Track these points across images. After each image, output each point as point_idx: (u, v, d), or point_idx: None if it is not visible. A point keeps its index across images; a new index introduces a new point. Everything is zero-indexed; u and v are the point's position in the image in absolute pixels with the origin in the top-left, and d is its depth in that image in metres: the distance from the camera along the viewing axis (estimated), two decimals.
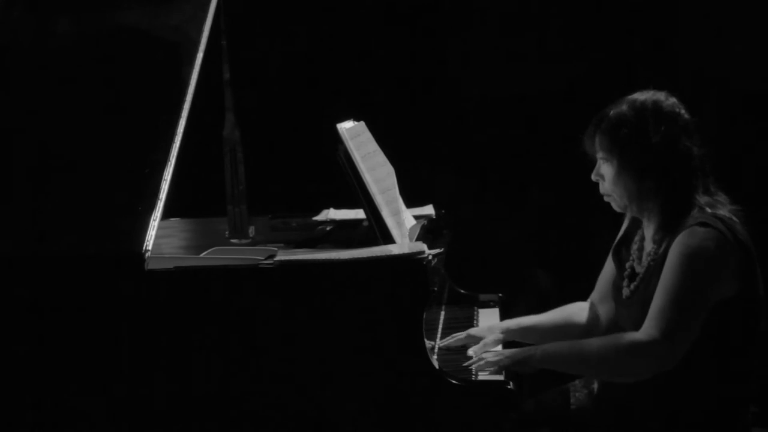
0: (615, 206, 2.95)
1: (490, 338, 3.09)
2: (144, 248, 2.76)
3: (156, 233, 2.80)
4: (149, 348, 2.76)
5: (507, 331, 3.15)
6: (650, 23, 4.83)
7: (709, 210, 2.79)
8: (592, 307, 3.13)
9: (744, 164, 4.75)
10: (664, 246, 2.82)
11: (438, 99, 4.92)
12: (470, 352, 3.04)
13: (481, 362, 2.89)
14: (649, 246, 2.90)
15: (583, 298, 3.20)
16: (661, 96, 2.89)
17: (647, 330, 2.74)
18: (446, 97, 4.92)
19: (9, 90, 3.11)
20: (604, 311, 3.10)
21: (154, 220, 2.80)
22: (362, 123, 3.21)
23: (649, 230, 2.91)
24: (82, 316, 2.77)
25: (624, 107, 2.89)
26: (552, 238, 4.88)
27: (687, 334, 2.73)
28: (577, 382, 3.09)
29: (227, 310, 2.77)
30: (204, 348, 2.76)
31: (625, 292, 2.94)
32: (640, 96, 2.90)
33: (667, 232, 2.83)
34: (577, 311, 3.17)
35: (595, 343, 2.83)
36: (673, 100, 2.90)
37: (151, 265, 2.76)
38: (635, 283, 2.91)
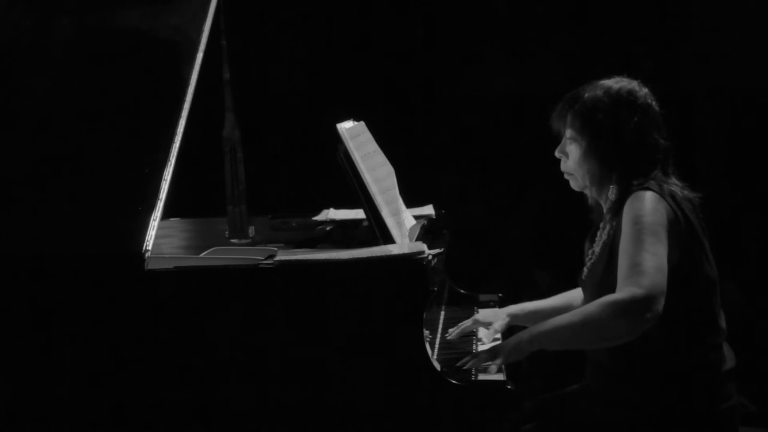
0: (574, 185, 2.98)
1: (497, 324, 3.21)
2: (144, 248, 2.75)
3: (156, 233, 2.79)
4: (149, 348, 2.76)
5: (511, 316, 3.25)
6: (650, 23, 4.84)
7: (653, 182, 2.83)
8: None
9: (743, 164, 4.76)
10: (615, 223, 2.85)
11: (438, 99, 4.92)
12: (481, 334, 3.18)
13: (475, 360, 2.89)
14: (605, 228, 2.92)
15: None
16: (635, 86, 2.92)
17: (623, 289, 2.70)
18: (446, 97, 4.92)
19: (9, 90, 3.11)
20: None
21: (154, 220, 2.80)
22: (362, 123, 3.21)
23: (604, 211, 2.95)
24: (82, 315, 2.77)
25: (599, 92, 2.90)
26: (552, 238, 4.88)
27: (659, 279, 2.69)
28: (574, 386, 3.09)
29: (227, 310, 2.76)
30: (204, 348, 2.76)
31: (584, 272, 2.98)
32: (615, 84, 2.92)
33: (616, 210, 2.85)
34: (577, 296, 3.20)
35: (577, 312, 2.79)
36: (645, 90, 2.93)
37: (151, 265, 2.76)
38: (592, 261, 2.94)
